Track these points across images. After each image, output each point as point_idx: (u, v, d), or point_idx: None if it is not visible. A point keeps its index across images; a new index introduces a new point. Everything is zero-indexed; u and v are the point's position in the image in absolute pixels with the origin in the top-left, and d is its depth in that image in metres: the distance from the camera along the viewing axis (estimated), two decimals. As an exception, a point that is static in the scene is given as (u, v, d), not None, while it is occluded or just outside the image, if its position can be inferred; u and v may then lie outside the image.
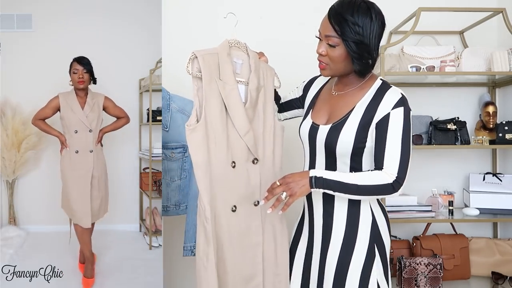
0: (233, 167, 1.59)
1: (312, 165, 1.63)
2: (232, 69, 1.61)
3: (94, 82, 3.11)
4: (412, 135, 2.48)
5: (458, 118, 2.59)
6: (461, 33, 2.77)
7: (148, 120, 3.13)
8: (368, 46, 1.46)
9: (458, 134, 2.51)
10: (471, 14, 2.62)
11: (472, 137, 2.56)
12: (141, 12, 3.28)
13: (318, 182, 1.46)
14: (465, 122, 2.55)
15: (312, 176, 1.47)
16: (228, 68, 1.60)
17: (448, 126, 2.50)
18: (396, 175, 1.44)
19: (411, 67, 2.39)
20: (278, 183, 1.49)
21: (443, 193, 2.61)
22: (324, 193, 1.54)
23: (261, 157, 1.65)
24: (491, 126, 2.59)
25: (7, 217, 3.38)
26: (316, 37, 1.55)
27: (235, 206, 1.60)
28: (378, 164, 1.47)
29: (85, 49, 3.18)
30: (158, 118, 3.00)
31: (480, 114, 2.69)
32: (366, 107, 1.51)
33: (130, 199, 3.36)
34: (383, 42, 2.71)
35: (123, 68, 3.33)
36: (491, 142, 2.54)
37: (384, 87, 1.53)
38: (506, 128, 2.48)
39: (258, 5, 2.72)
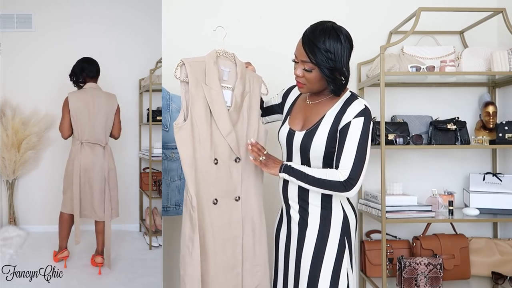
0: (215, 163, 1.75)
1: None
2: (217, 75, 1.76)
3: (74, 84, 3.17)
4: (412, 135, 2.50)
5: (458, 118, 2.59)
6: (461, 33, 2.77)
7: (148, 120, 3.13)
8: (341, 69, 1.62)
9: (458, 134, 2.51)
10: (471, 14, 2.62)
11: (472, 137, 2.56)
12: (141, 12, 3.28)
13: (286, 168, 1.70)
14: (465, 122, 2.55)
15: (284, 164, 1.72)
16: (213, 74, 1.76)
17: (448, 126, 2.50)
18: (348, 175, 1.60)
19: (411, 67, 2.39)
20: (264, 152, 1.76)
21: (443, 193, 2.61)
22: (298, 193, 1.74)
23: (244, 156, 1.81)
24: (491, 126, 2.59)
25: (7, 217, 3.38)
26: (293, 60, 1.70)
27: (216, 199, 1.76)
28: (336, 165, 1.65)
29: (85, 49, 3.20)
30: (158, 118, 3.01)
31: (480, 114, 2.69)
32: (335, 116, 1.67)
33: (130, 199, 3.36)
34: (383, 42, 2.73)
35: (123, 68, 3.34)
36: (491, 142, 2.53)
37: (351, 99, 1.69)
38: (506, 128, 2.48)
39: (258, 5, 2.72)
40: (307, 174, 1.65)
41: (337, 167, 1.63)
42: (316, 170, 1.66)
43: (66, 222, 3.10)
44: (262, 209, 1.86)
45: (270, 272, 1.88)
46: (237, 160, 1.78)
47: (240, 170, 1.80)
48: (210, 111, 1.74)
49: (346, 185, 1.60)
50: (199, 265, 1.69)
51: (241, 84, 1.80)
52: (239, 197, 1.79)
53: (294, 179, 1.69)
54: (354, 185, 1.61)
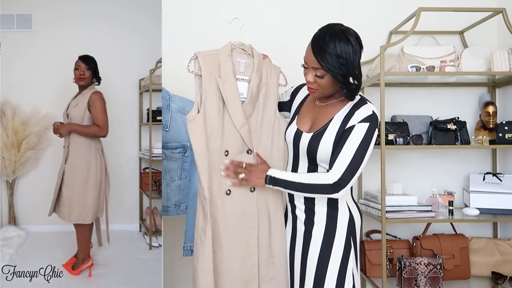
0: (226, 155, 1.76)
1: (295, 168, 1.78)
2: (231, 68, 1.76)
3: (98, 82, 3.13)
4: (412, 135, 2.50)
5: (458, 118, 2.59)
6: (461, 33, 2.78)
7: (148, 120, 3.13)
8: (353, 73, 1.59)
9: (458, 134, 2.51)
10: (471, 14, 2.62)
11: (472, 137, 2.56)
12: (141, 12, 3.28)
13: (271, 180, 1.69)
14: (465, 122, 2.55)
15: (268, 175, 1.69)
16: (228, 67, 1.75)
17: (448, 126, 2.50)
18: (339, 177, 1.59)
19: (411, 67, 2.39)
20: (243, 165, 1.72)
21: (443, 193, 2.61)
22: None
23: (257, 149, 1.80)
24: (491, 126, 2.59)
25: (7, 217, 3.38)
26: (302, 65, 1.67)
27: (229, 190, 1.76)
28: (330, 166, 1.63)
29: (85, 49, 3.19)
30: (158, 118, 3.01)
31: (480, 114, 2.69)
32: (343, 119, 1.65)
33: (130, 199, 3.36)
34: (383, 42, 2.73)
35: (123, 68, 3.34)
36: (491, 142, 2.53)
37: (361, 102, 1.67)
38: (506, 128, 2.48)
39: (258, 5, 2.72)
40: (293, 182, 1.65)
41: (330, 167, 1.62)
42: (304, 176, 1.65)
43: (91, 229, 3.04)
44: (279, 202, 1.83)
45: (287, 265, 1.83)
46: (249, 151, 1.78)
47: (252, 161, 1.79)
48: (224, 104, 1.75)
49: (335, 187, 1.60)
50: (211, 255, 1.70)
51: (257, 75, 1.80)
52: (254, 188, 1.78)
53: (281, 189, 1.70)
54: (343, 187, 1.60)
